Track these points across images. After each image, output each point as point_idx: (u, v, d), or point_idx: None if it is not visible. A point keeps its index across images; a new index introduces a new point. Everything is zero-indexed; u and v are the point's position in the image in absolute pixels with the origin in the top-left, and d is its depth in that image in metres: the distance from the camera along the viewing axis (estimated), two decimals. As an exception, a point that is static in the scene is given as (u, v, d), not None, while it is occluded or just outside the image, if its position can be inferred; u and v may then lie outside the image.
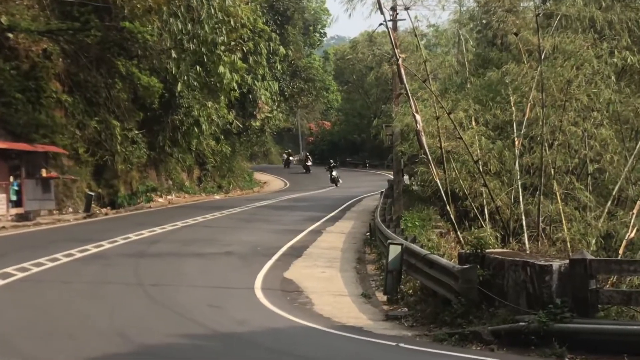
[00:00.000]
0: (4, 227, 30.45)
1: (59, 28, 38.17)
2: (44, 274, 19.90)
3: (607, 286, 16.89)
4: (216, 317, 15.52)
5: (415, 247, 19.40)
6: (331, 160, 72.58)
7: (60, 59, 38.79)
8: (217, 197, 56.07)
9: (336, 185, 65.47)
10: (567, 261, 13.29)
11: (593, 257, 13.61)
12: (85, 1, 37.60)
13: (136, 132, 43.41)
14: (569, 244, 21.19)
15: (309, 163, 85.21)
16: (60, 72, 38.72)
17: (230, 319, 15.45)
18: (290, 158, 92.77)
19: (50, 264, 21.32)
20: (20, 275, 19.31)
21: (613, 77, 25.24)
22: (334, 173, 67.36)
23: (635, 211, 21.85)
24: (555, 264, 13.23)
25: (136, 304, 16.60)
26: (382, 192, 42.21)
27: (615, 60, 25.15)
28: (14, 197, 33.94)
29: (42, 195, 35.77)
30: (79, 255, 23.38)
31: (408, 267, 18.86)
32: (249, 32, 51.74)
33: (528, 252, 19.38)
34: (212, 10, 42.27)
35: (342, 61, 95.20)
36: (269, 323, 15.28)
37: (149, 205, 43.79)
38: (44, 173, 35.50)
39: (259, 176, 74.65)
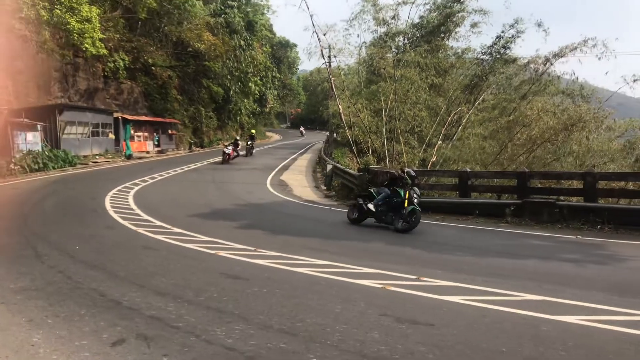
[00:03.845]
0: (152, 157, 29.97)
1: (175, 64, 37.49)
2: (170, 177, 19.68)
3: (422, 182, 17.22)
4: (249, 197, 15.51)
5: (339, 165, 19.55)
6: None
7: (176, 79, 37.94)
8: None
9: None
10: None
11: (416, 169, 13.88)
12: (187, 52, 36.85)
13: (211, 113, 42.78)
14: (406, 164, 21.49)
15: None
16: (176, 85, 37.83)
17: (256, 197, 15.44)
18: (302, 130, 69.81)
19: (173, 173, 21.13)
20: (159, 178, 19.12)
21: (427, 88, 25.25)
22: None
23: (435, 149, 22.20)
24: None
25: (213, 191, 16.50)
26: (324, 141, 42.12)
27: (428, 80, 25.13)
28: (156, 142, 33.53)
29: (169, 142, 35.31)
30: (186, 168, 23.17)
31: (335, 174, 19.01)
32: (262, 66, 50.73)
33: (388, 168, 19.62)
34: (246, 57, 41.85)
35: (306, 81, 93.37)
36: (273, 199, 15.35)
37: (219, 146, 43.38)
38: (169, 131, 35.06)
39: (268, 134, 73.58)
